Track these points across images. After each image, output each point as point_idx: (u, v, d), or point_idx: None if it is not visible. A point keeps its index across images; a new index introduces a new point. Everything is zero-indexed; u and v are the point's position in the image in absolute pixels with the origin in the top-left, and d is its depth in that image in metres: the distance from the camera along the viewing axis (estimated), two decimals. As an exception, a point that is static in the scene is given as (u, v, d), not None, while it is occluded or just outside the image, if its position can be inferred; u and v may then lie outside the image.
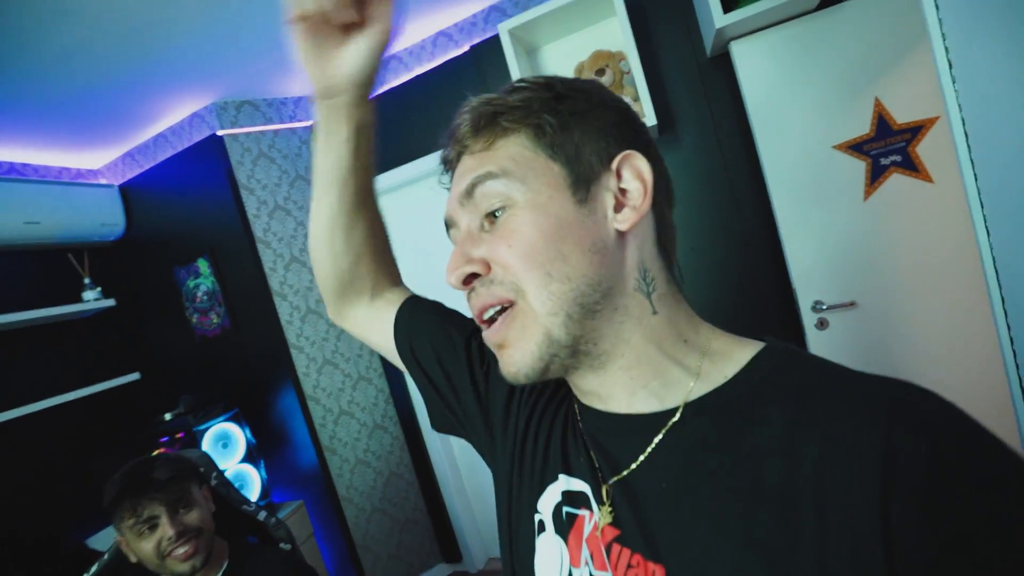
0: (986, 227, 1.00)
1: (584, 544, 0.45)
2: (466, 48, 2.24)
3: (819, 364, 0.41)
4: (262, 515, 1.42)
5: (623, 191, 0.45)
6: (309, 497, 2.40)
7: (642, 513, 0.42)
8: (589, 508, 0.46)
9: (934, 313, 1.67)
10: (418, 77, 2.35)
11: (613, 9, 1.87)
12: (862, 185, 1.72)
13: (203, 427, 2.23)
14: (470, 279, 0.45)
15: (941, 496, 0.30)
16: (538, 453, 0.52)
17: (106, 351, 2.43)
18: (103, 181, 2.60)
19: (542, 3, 2.09)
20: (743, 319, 2.00)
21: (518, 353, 0.43)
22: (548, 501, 0.49)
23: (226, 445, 2.28)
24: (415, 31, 2.27)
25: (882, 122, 1.67)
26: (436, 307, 0.65)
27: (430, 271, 2.55)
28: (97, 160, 2.53)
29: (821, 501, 0.34)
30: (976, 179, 1.00)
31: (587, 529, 0.45)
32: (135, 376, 2.44)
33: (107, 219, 2.45)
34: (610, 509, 0.44)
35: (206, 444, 2.21)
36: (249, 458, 2.31)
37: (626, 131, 0.46)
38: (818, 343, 1.80)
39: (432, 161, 2.37)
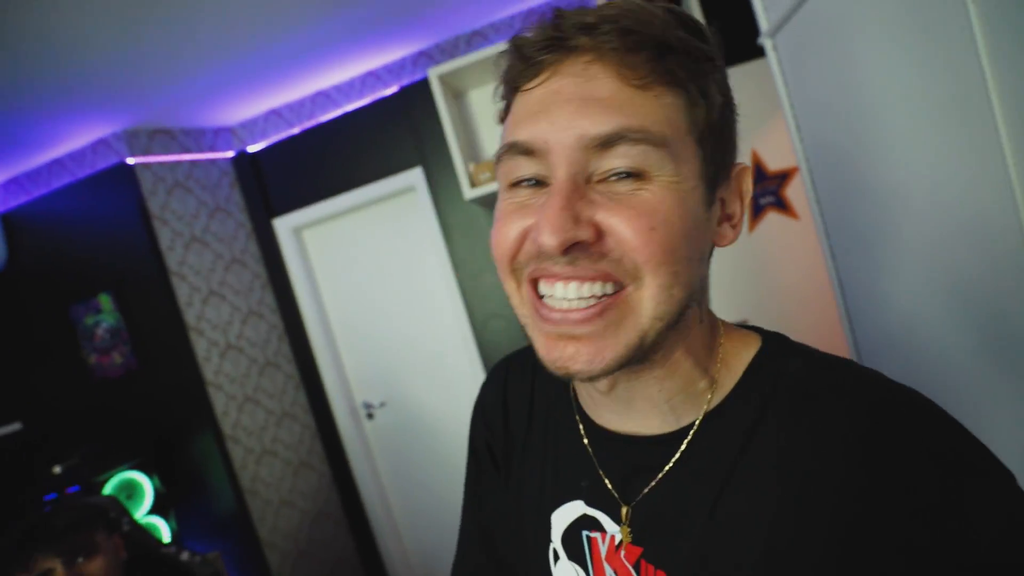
0: (831, 252, 1.25)
1: (605, 564, 0.44)
2: (395, 88, 2.35)
3: (813, 361, 0.41)
4: (184, 555, 1.34)
5: (723, 202, 0.41)
6: (227, 546, 2.23)
7: (663, 531, 0.41)
8: (602, 530, 0.44)
9: (804, 320, 1.98)
10: (347, 114, 2.41)
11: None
12: (747, 219, 2.02)
13: (102, 478, 2.04)
14: (573, 247, 0.35)
15: (942, 518, 0.32)
16: (543, 481, 0.50)
17: (-21, 399, 2.16)
18: (-22, 209, 2.35)
19: (468, 52, 2.26)
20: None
21: (598, 352, 0.36)
22: (558, 528, 0.47)
23: (130, 496, 2.09)
24: (344, 70, 2.34)
25: (759, 169, 1.99)
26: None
27: (355, 304, 2.56)
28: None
29: (829, 512, 0.35)
30: (822, 215, 1.25)
31: (604, 549, 0.44)
32: (15, 427, 2.18)
33: (-18, 250, 2.22)
34: (628, 529, 0.42)
35: (106, 496, 2.01)
36: (157, 509, 2.13)
37: (736, 138, 0.41)
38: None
39: (358, 196, 2.41)
